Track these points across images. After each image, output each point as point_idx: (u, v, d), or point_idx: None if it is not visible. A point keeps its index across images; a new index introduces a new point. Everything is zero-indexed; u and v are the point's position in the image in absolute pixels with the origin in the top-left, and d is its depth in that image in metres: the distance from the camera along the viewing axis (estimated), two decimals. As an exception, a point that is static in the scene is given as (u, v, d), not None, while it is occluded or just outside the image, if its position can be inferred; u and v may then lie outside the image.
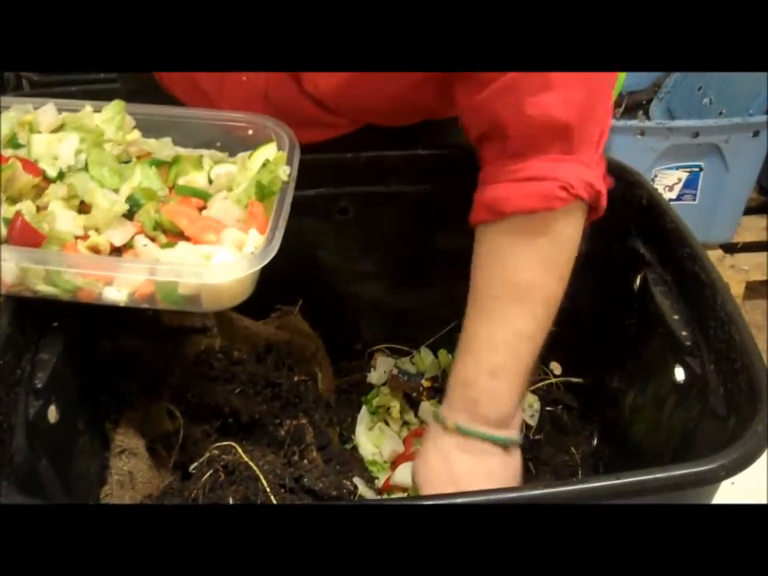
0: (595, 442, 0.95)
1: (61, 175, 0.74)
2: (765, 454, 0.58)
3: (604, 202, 0.77)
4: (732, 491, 0.67)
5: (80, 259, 0.68)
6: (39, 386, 0.67)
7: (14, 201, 0.71)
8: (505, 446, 0.77)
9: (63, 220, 0.70)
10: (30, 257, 0.66)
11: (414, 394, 0.99)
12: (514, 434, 0.78)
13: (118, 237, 0.70)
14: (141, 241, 0.70)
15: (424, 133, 0.92)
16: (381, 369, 1.03)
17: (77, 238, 0.69)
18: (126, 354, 0.82)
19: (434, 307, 1.02)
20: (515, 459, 0.79)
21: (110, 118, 0.79)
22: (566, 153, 0.73)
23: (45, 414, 0.67)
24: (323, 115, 0.85)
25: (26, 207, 0.69)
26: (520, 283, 0.75)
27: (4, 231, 0.67)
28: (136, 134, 0.80)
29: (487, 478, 0.75)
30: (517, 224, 0.75)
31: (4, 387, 0.64)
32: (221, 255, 0.69)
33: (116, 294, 0.67)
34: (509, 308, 0.76)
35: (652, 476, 0.57)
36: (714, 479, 0.57)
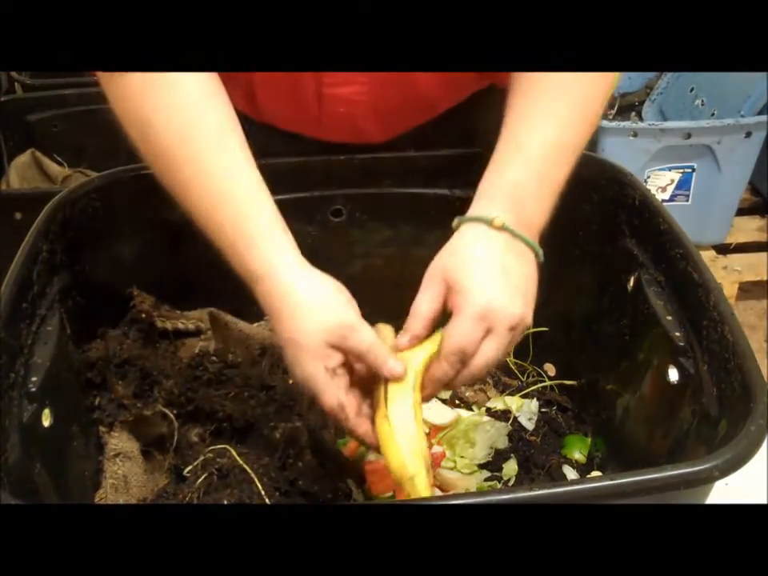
0: (589, 442, 0.95)
1: None
2: (757, 455, 0.58)
3: None
4: (726, 492, 0.67)
5: None
6: (33, 389, 0.67)
7: None
8: (536, 255, 0.77)
9: None
10: None
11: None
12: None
13: None
14: None
15: (416, 134, 0.93)
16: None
17: None
18: (120, 358, 0.82)
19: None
20: (537, 271, 0.78)
21: None
22: None
23: (39, 417, 0.67)
24: None
25: None
26: (552, 78, 0.76)
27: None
28: None
29: (531, 280, 0.75)
30: None
31: (-2, 391, 0.64)
32: None
33: None
34: (549, 107, 0.76)
35: (646, 476, 0.57)
36: (707, 479, 0.57)
